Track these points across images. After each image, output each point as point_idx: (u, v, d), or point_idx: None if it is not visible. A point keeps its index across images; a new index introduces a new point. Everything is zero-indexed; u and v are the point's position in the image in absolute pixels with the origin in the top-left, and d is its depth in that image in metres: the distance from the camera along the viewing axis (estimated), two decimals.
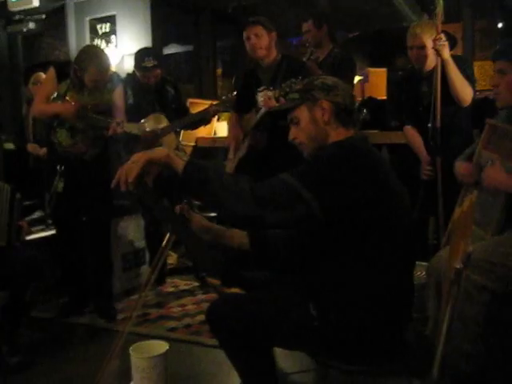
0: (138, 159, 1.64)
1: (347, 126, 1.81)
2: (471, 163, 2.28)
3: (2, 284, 2.76)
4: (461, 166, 2.34)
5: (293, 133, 1.87)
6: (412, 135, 3.33)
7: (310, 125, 1.81)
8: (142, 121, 3.80)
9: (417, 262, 1.98)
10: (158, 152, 1.66)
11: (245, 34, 3.42)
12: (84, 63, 3.26)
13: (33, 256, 2.90)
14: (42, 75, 4.32)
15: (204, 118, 3.96)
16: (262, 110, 3.35)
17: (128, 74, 4.06)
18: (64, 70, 3.36)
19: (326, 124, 1.79)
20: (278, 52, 3.48)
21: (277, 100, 3.17)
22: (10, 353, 2.81)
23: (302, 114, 1.82)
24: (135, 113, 3.68)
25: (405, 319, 1.77)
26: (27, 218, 3.71)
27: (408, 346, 1.77)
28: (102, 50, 3.49)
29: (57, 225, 3.58)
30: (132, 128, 3.39)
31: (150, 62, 3.81)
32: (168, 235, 1.84)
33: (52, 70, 3.39)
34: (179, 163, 1.62)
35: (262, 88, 3.45)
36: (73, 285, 3.59)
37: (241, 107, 3.65)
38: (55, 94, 3.34)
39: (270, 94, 3.23)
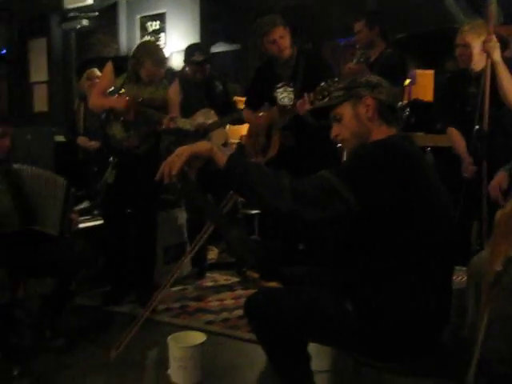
0: (181, 152, 1.67)
1: (390, 124, 1.81)
2: (506, 174, 2.23)
3: (52, 272, 2.88)
4: (496, 179, 2.30)
5: (335, 130, 1.88)
6: (455, 136, 3.29)
7: (353, 121, 1.82)
8: (193, 116, 3.88)
9: (458, 267, 1.96)
10: (202, 146, 1.69)
11: (268, 38, 3.42)
12: (141, 57, 3.35)
13: (82, 247, 3.01)
14: (95, 71, 4.44)
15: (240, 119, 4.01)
16: (291, 112, 3.36)
17: (178, 71, 4.14)
18: (122, 64, 3.45)
19: (369, 120, 1.80)
20: (294, 47, 3.48)
21: (311, 103, 3.17)
22: (53, 336, 2.91)
23: (346, 110, 1.83)
24: (184, 108, 3.75)
25: (443, 321, 1.76)
26: (75, 208, 3.84)
27: (445, 348, 1.76)
28: (159, 46, 3.56)
29: (104, 215, 3.68)
30: (184, 124, 3.45)
31: (200, 56, 3.90)
32: (206, 226, 1.86)
33: (110, 65, 3.48)
34: (222, 157, 1.64)
35: (280, 84, 3.47)
36: (115, 275, 3.68)
37: (255, 104, 3.67)
38: (112, 88, 3.44)
39: (305, 98, 3.22)
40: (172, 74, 3.70)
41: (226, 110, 4.04)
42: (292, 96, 3.45)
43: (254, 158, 3.67)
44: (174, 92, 3.56)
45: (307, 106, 3.18)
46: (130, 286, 3.70)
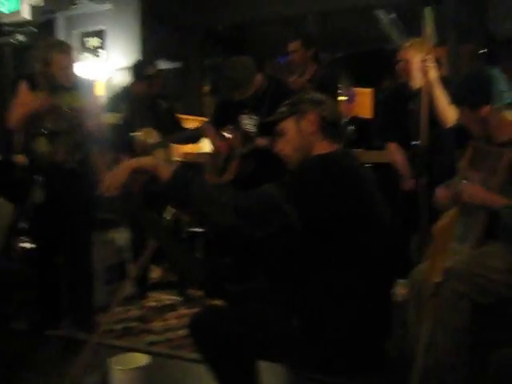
0: (125, 166, 1.66)
1: (332, 140, 1.84)
2: (446, 189, 2.32)
3: None
4: (438, 191, 2.39)
5: (279, 145, 1.90)
6: (395, 151, 3.40)
7: (295, 136, 1.85)
8: (134, 134, 3.83)
9: (399, 280, 2.00)
10: (147, 159, 1.71)
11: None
12: (47, 54, 3.26)
13: (19, 269, 2.88)
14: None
15: (194, 137, 3.99)
16: (254, 144, 3.37)
17: (123, 88, 4.09)
18: (36, 80, 3.33)
19: (311, 135, 1.83)
20: (264, 76, 3.48)
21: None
22: None
23: (289, 125, 1.86)
24: (128, 126, 3.70)
25: (384, 334, 1.79)
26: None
27: (388, 360, 1.78)
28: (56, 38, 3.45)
29: (34, 237, 3.54)
30: (110, 118, 3.36)
31: (153, 69, 3.86)
32: (150, 244, 1.83)
33: (23, 83, 3.36)
34: (166, 172, 1.64)
35: (246, 111, 3.48)
36: (48, 300, 3.53)
37: (218, 123, 3.68)
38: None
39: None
40: (88, 83, 3.62)
41: (170, 127, 4.01)
42: (255, 124, 3.45)
43: (208, 177, 3.64)
44: (92, 98, 3.49)
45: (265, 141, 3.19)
46: (64, 310, 3.57)
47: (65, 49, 3.31)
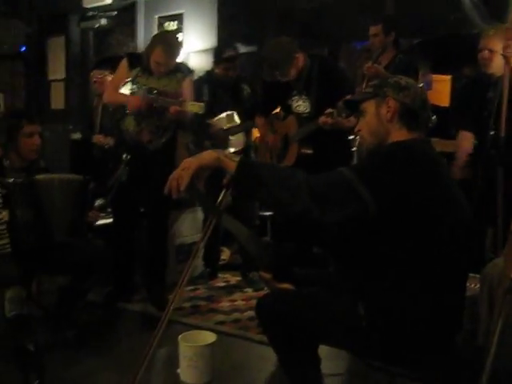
0: (188, 166, 1.64)
1: (411, 129, 1.80)
2: None
3: (65, 269, 2.91)
4: None
5: (359, 124, 1.89)
6: (465, 139, 3.28)
7: (373, 119, 1.83)
8: (216, 118, 3.88)
9: (471, 274, 1.95)
10: (208, 156, 1.66)
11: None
12: (154, 43, 3.36)
13: (99, 247, 3.02)
14: (96, 73, 4.48)
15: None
16: (312, 126, 3.36)
17: (206, 71, 4.13)
18: (136, 60, 3.47)
19: (388, 122, 1.80)
20: (306, 56, 3.44)
21: (333, 119, 3.19)
22: (67, 327, 2.95)
23: (370, 107, 1.84)
24: (210, 109, 3.72)
25: (455, 327, 1.75)
26: (96, 205, 3.86)
27: (458, 355, 1.75)
28: (173, 35, 3.48)
29: (114, 213, 3.70)
30: (193, 107, 3.33)
31: (232, 52, 3.91)
32: (207, 224, 1.82)
33: (125, 60, 3.50)
34: (231, 164, 1.62)
35: (295, 92, 3.47)
36: (120, 274, 3.69)
37: (266, 110, 3.68)
38: (129, 79, 3.44)
39: (328, 113, 3.21)
40: (188, 69, 3.64)
41: (252, 112, 4.01)
42: (307, 104, 3.46)
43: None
44: (186, 86, 3.52)
45: (330, 121, 3.20)
46: (133, 284, 3.72)
47: (167, 50, 3.34)
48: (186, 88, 3.53)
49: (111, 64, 4.52)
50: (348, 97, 2.87)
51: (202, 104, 3.36)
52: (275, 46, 3.39)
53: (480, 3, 5.35)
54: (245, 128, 4.00)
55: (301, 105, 3.49)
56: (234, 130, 3.93)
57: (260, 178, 1.59)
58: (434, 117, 3.67)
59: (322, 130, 3.29)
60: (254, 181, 1.60)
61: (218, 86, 3.94)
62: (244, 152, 3.97)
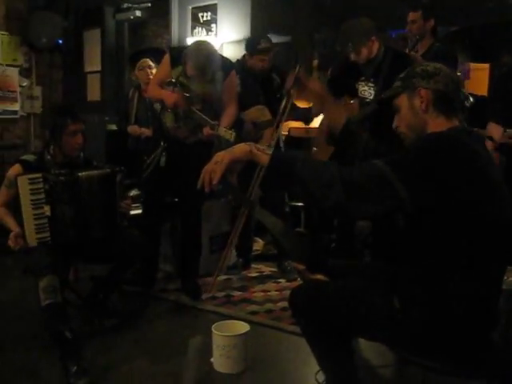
0: (221, 159, 1.64)
1: (449, 115, 1.74)
2: None
3: (106, 260, 2.98)
4: None
5: (396, 121, 1.85)
6: (492, 131, 3.20)
7: (408, 113, 1.78)
8: (246, 112, 3.87)
9: (509, 267, 1.90)
10: (240, 150, 1.65)
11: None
12: (186, 57, 3.35)
13: (136, 237, 3.06)
14: (148, 61, 4.51)
15: (306, 116, 3.95)
16: (371, 106, 3.31)
17: (236, 61, 4.07)
18: (178, 55, 3.44)
19: (424, 113, 1.74)
20: (381, 45, 3.40)
21: None
22: (104, 315, 3.03)
23: (403, 102, 1.80)
24: (240, 101, 3.68)
25: (491, 322, 1.72)
26: (128, 194, 3.92)
27: (493, 350, 1.72)
28: (203, 50, 3.37)
29: (146, 197, 3.74)
30: (225, 134, 3.34)
31: (266, 44, 3.88)
32: (240, 215, 1.82)
33: (167, 56, 3.51)
34: (264, 157, 1.61)
35: (363, 78, 3.43)
36: (152, 263, 3.73)
37: (334, 89, 3.63)
38: (172, 79, 3.43)
39: None
40: (231, 64, 3.63)
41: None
42: (372, 91, 3.40)
43: (324, 150, 3.62)
44: (230, 85, 3.51)
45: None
46: (156, 272, 3.76)
47: (196, 67, 3.29)
48: (228, 88, 3.50)
49: (149, 55, 4.57)
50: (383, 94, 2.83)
51: (233, 133, 3.35)
52: (356, 22, 3.36)
53: None
54: (275, 122, 3.95)
55: (366, 90, 3.44)
56: (264, 125, 3.90)
57: (293, 171, 1.57)
58: (470, 98, 3.60)
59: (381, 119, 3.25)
60: (286, 174, 1.59)
61: (249, 77, 3.90)
62: (275, 146, 3.94)
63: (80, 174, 2.82)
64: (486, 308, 1.66)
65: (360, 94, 3.46)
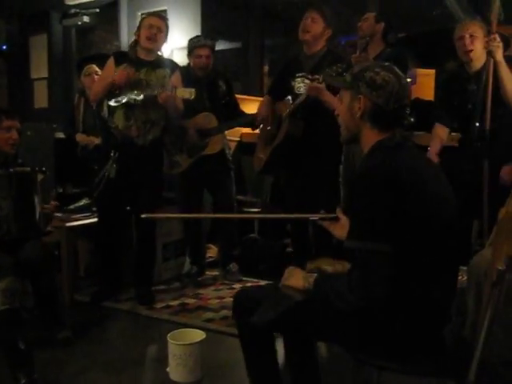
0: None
1: (382, 130, 1.74)
2: None
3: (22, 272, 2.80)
4: (505, 169, 2.29)
5: (338, 108, 1.86)
6: (438, 134, 3.30)
7: (347, 112, 1.79)
8: (192, 119, 3.86)
9: (461, 267, 1.95)
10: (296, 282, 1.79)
11: (305, 14, 3.45)
12: (140, 24, 3.44)
13: (36, 248, 2.89)
14: (94, 67, 4.44)
15: (252, 122, 3.95)
16: (302, 97, 3.33)
17: (182, 67, 4.05)
18: (122, 58, 3.49)
19: (359, 119, 1.75)
20: (326, 47, 3.47)
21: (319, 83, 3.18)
22: (57, 329, 2.92)
23: (345, 97, 1.80)
24: (186, 108, 3.66)
25: (443, 320, 1.75)
26: (74, 206, 3.84)
27: (445, 348, 1.75)
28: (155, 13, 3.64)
29: (99, 210, 3.66)
30: (184, 93, 3.36)
31: (202, 40, 3.92)
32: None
33: (111, 59, 3.52)
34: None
35: (301, 74, 3.45)
36: (108, 272, 3.67)
37: (276, 93, 3.65)
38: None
39: (315, 80, 3.21)
40: (174, 64, 3.68)
41: (228, 109, 4.01)
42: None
43: (262, 150, 3.64)
44: (176, 78, 3.55)
45: (315, 86, 3.19)
46: (120, 284, 3.70)
47: (154, 14, 3.53)
48: (176, 82, 3.53)
49: (97, 62, 4.49)
50: (329, 73, 2.86)
51: (192, 90, 3.35)
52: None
53: None
54: (220, 130, 3.93)
55: (301, 87, 3.44)
56: (211, 132, 3.88)
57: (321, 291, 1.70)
58: (412, 119, 3.69)
59: (313, 111, 3.28)
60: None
61: (195, 82, 3.81)
62: (219, 152, 3.95)
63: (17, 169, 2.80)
64: (438, 308, 1.70)
65: (296, 91, 3.47)
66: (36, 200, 2.90)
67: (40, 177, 2.93)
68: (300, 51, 3.54)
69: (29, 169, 2.93)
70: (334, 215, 2.03)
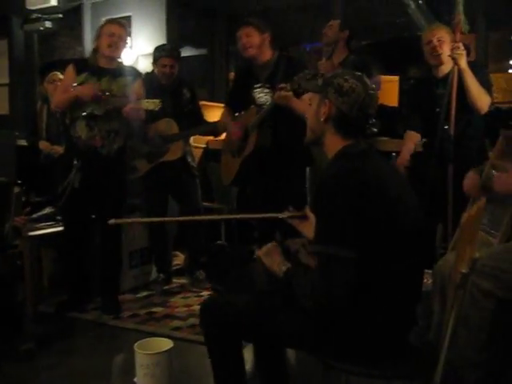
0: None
1: (346, 136, 1.77)
2: (477, 175, 2.26)
3: None
4: (468, 177, 2.33)
5: (306, 110, 1.90)
6: (410, 139, 3.37)
7: (314, 115, 1.83)
8: (154, 124, 3.84)
9: (426, 270, 1.98)
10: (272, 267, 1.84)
11: (237, 35, 3.46)
12: (98, 31, 3.41)
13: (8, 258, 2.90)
14: (57, 74, 4.37)
15: (214, 131, 3.95)
16: (269, 106, 3.34)
17: (146, 74, 4.05)
18: (83, 66, 3.44)
19: (324, 123, 1.79)
20: (275, 51, 3.47)
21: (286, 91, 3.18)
22: (21, 341, 2.85)
23: (314, 100, 1.84)
24: (149, 114, 3.63)
25: (408, 323, 1.78)
26: (37, 214, 3.75)
27: (411, 351, 1.77)
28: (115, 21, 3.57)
29: (65, 220, 3.60)
30: (148, 104, 3.35)
31: (167, 50, 3.90)
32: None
33: (71, 66, 3.46)
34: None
35: (259, 85, 3.47)
36: (75, 282, 3.60)
37: (235, 104, 3.66)
38: (75, 84, 3.38)
39: (283, 87, 3.21)
40: (136, 72, 3.65)
41: (191, 117, 4.00)
42: (269, 97, 3.41)
43: (230, 163, 3.64)
44: (137, 88, 3.51)
45: (283, 94, 3.17)
46: (88, 293, 3.64)
47: (113, 21, 3.49)
48: (138, 90, 3.50)
49: (59, 68, 4.42)
50: (300, 76, 2.88)
51: (157, 101, 3.35)
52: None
53: (425, 7, 5.49)
54: (182, 136, 3.94)
55: (262, 96, 3.46)
56: (171, 138, 3.88)
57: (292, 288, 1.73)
58: (375, 130, 3.76)
59: (280, 119, 3.30)
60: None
61: (158, 90, 3.82)
62: (181, 159, 3.93)
63: None
64: (403, 311, 1.72)
65: (257, 102, 3.48)
66: (10, 212, 2.83)
67: (16, 190, 2.86)
68: (251, 61, 3.53)
69: (5, 180, 2.85)
70: (302, 213, 2.08)
